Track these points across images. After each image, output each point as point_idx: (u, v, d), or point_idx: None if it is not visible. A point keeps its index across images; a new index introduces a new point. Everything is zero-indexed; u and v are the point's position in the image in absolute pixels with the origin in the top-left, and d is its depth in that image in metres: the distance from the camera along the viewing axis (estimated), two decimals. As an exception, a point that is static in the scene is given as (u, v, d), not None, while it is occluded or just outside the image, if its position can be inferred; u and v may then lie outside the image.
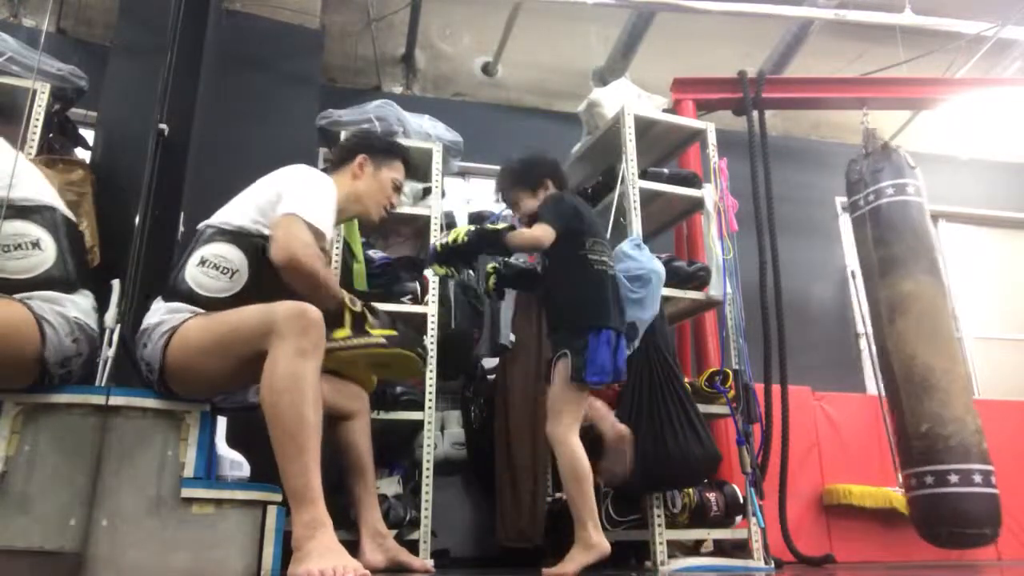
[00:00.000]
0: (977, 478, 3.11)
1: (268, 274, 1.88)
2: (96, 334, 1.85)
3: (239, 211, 1.95)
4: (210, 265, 1.87)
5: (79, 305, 1.81)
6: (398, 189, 2.31)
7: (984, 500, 3.12)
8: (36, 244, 1.79)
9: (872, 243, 3.56)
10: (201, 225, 1.96)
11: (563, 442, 2.31)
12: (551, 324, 2.52)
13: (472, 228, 2.36)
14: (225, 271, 1.87)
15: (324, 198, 1.98)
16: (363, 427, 2.33)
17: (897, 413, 3.36)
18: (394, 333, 1.97)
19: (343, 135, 2.31)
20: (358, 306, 1.96)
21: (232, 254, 1.88)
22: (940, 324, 3.38)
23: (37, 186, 1.87)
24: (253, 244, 1.90)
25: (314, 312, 1.73)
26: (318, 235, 1.89)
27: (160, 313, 1.83)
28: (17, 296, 1.72)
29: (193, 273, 1.87)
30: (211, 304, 1.84)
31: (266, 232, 1.89)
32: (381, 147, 2.29)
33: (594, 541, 2.22)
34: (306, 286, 1.85)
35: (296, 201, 1.89)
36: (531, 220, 2.49)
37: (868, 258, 3.60)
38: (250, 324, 1.74)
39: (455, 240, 2.33)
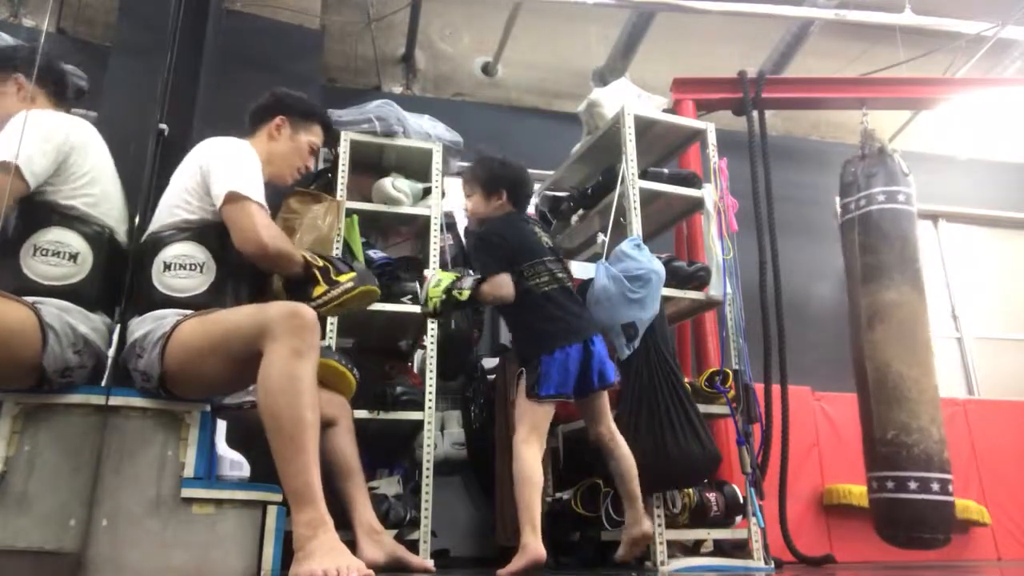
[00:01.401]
0: (935, 486, 3.19)
1: (235, 257, 1.88)
2: (103, 353, 1.84)
3: (174, 207, 1.92)
4: (176, 267, 1.85)
5: (91, 322, 1.81)
6: (314, 153, 2.27)
7: (940, 507, 3.19)
8: (74, 257, 1.79)
9: (859, 249, 3.57)
10: (145, 237, 1.93)
11: (517, 452, 2.35)
12: (514, 344, 2.62)
13: (443, 297, 2.41)
14: (193, 267, 1.86)
15: (255, 169, 1.96)
16: (345, 431, 2.32)
17: (865, 417, 3.42)
18: (354, 273, 2.02)
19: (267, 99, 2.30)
20: (320, 261, 1.99)
21: (191, 249, 1.87)
22: (918, 335, 3.41)
23: (104, 202, 1.87)
24: (204, 233, 1.88)
25: (307, 312, 1.73)
26: (266, 210, 1.90)
27: (147, 323, 1.81)
28: (30, 299, 1.71)
29: (162, 280, 1.85)
30: (193, 303, 1.83)
31: (209, 215, 1.89)
32: (300, 109, 2.23)
33: (528, 545, 2.23)
34: (277, 267, 1.94)
35: (234, 179, 1.87)
36: (477, 224, 2.64)
37: (853, 263, 3.61)
38: (244, 326, 1.74)
39: (434, 308, 2.43)
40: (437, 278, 2.45)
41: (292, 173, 2.22)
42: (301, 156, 2.21)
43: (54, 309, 1.73)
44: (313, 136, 2.24)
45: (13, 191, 1.71)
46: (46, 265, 1.76)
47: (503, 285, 2.41)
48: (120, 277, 1.91)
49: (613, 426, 2.53)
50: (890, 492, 3.25)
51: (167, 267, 1.86)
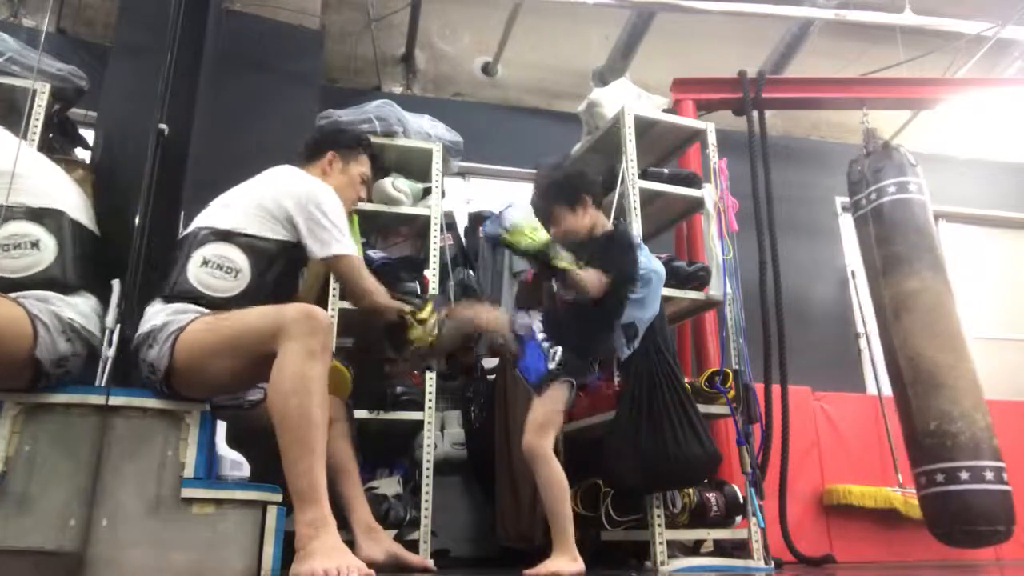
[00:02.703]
0: (989, 475, 3.06)
1: (272, 275, 1.91)
2: (94, 336, 1.84)
3: (238, 213, 1.95)
4: (213, 265, 1.88)
5: (76, 307, 1.81)
6: (366, 183, 2.34)
7: (996, 497, 3.07)
8: (35, 244, 1.80)
9: (875, 242, 3.55)
10: (194, 226, 1.96)
11: (548, 460, 2.32)
12: (564, 342, 2.49)
13: (534, 248, 2.26)
14: (229, 271, 1.88)
15: (345, 220, 2.05)
16: (341, 432, 2.33)
17: (905, 411, 3.33)
18: (431, 308, 2.15)
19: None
20: (407, 308, 2.11)
21: (234, 254, 1.89)
22: (946, 321, 3.35)
23: (50, 190, 1.87)
24: (254, 246, 1.91)
25: (322, 314, 1.75)
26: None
27: (165, 314, 1.82)
28: (12, 295, 1.72)
29: (197, 274, 1.87)
30: (217, 304, 1.85)
31: (271, 237, 1.94)
32: (348, 142, 2.30)
33: (577, 557, 2.26)
34: (373, 315, 2.10)
35: (341, 239, 1.98)
36: (583, 240, 2.49)
37: (871, 257, 3.59)
38: (259, 325, 1.75)
39: (513, 245, 2.29)
40: (532, 224, 2.29)
41: (350, 206, 2.27)
42: (355, 188, 2.28)
43: (35, 300, 1.74)
44: (363, 167, 2.31)
45: None
46: (9, 259, 1.77)
47: (597, 288, 2.34)
48: (93, 259, 1.92)
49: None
50: (940, 486, 3.10)
51: (205, 263, 1.88)
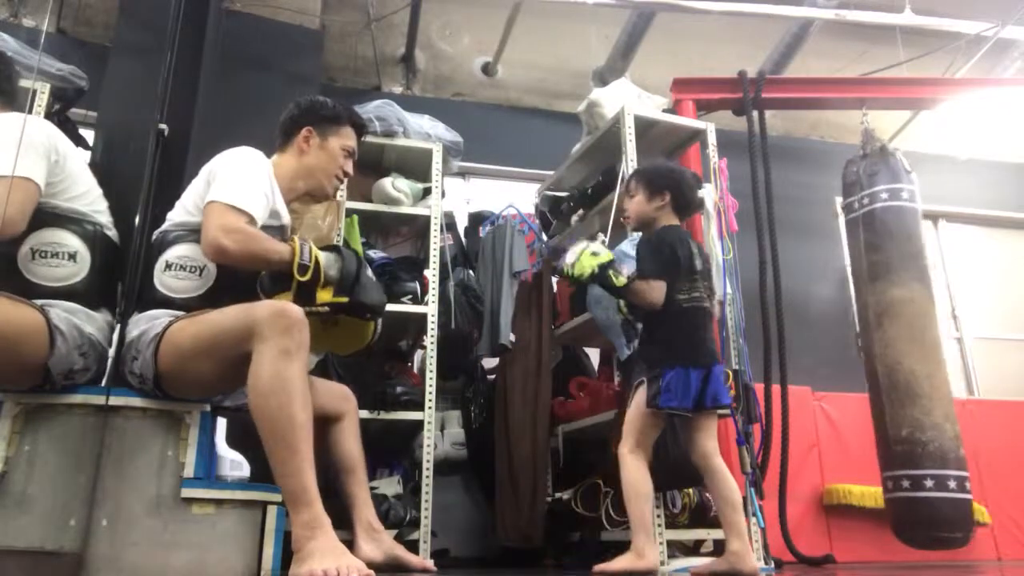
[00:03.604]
0: (952, 484, 3.16)
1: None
2: (107, 353, 1.84)
3: (183, 209, 1.93)
4: (176, 267, 1.86)
5: (95, 321, 1.81)
6: (350, 156, 2.19)
7: (957, 505, 3.17)
8: (72, 256, 1.79)
9: (864, 247, 3.56)
10: (156, 233, 1.94)
11: (626, 463, 2.36)
12: (640, 350, 2.59)
13: (596, 271, 2.34)
14: (193, 269, 1.86)
15: (248, 177, 1.91)
16: (351, 427, 2.28)
17: (879, 416, 3.39)
18: (344, 300, 1.89)
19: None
20: (307, 275, 1.86)
21: (195, 252, 1.86)
22: (927, 331, 3.39)
23: (94, 202, 1.87)
24: None
25: (295, 311, 1.71)
26: (244, 214, 1.83)
27: (141, 324, 1.81)
28: (39, 302, 1.71)
29: (162, 279, 1.86)
30: (188, 305, 1.84)
31: None
32: (326, 115, 2.15)
33: (646, 553, 2.28)
34: (248, 267, 1.86)
35: (216, 188, 1.86)
36: (638, 225, 2.59)
37: (859, 262, 3.60)
38: (232, 326, 1.73)
39: (579, 276, 2.37)
40: (593, 249, 2.39)
41: (330, 182, 2.17)
42: (336, 163, 2.15)
43: (62, 312, 1.73)
44: (345, 139, 2.17)
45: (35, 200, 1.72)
46: (47, 267, 1.76)
47: (656, 290, 2.36)
48: (116, 273, 1.92)
49: (710, 449, 2.42)
50: (906, 491, 3.20)
51: (168, 267, 1.87)
